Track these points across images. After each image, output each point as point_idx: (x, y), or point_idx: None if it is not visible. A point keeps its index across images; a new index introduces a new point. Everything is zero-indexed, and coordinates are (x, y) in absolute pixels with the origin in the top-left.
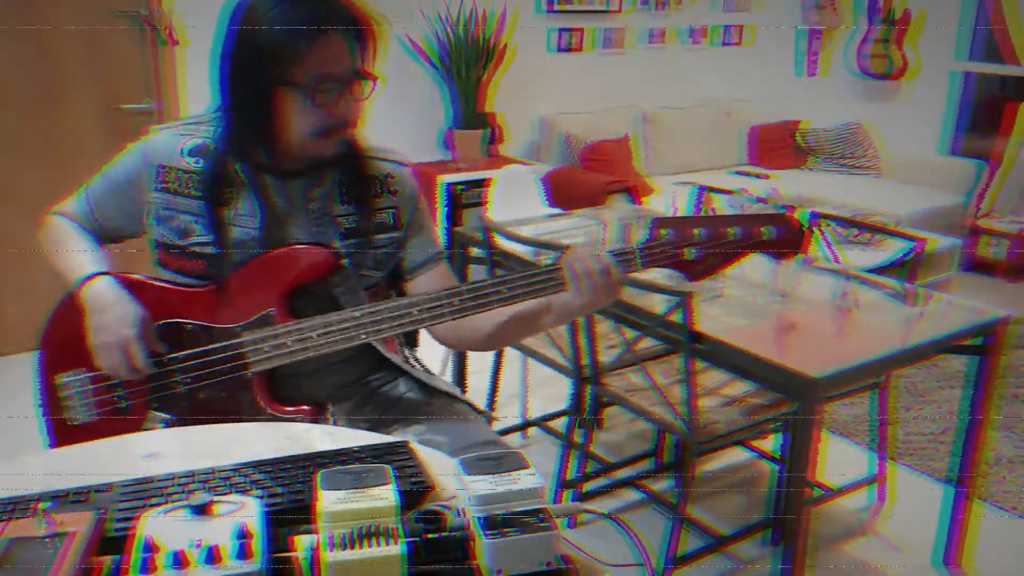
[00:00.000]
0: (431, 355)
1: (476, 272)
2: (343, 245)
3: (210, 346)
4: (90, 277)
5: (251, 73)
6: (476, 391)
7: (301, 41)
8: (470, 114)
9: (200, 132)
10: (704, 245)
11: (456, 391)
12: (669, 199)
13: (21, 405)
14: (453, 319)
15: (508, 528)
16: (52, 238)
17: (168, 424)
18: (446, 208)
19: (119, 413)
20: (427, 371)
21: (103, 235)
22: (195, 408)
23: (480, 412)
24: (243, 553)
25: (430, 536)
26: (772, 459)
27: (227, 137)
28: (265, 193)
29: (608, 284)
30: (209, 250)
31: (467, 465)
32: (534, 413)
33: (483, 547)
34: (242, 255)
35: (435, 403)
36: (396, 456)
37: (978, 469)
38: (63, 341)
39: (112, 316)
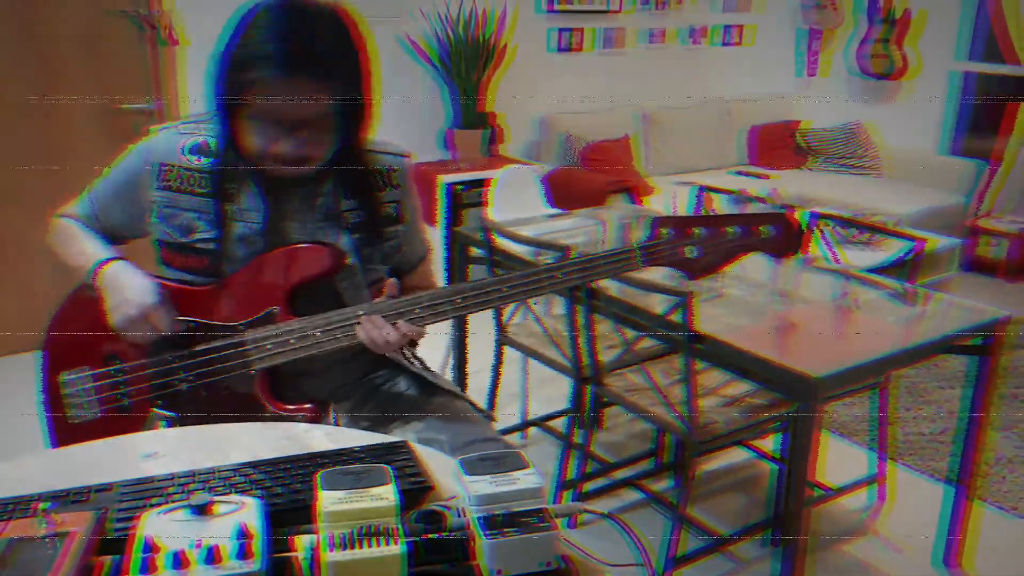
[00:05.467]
0: (431, 355)
1: (476, 272)
2: (351, 240)
3: (213, 344)
4: (105, 262)
5: (222, 88)
6: (476, 391)
7: (259, 77)
8: (470, 114)
9: (201, 130)
10: (704, 244)
11: (456, 389)
12: (669, 199)
13: (21, 405)
14: (455, 317)
15: (508, 528)
16: (60, 237)
17: (170, 423)
18: (446, 208)
19: (121, 411)
20: (427, 369)
21: (108, 236)
22: (197, 406)
23: (480, 411)
24: (243, 553)
25: (430, 536)
26: (772, 459)
27: (223, 136)
28: (268, 188)
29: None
30: (212, 246)
31: (467, 465)
32: (534, 413)
33: (483, 547)
34: (246, 251)
35: (435, 401)
36: (396, 456)
37: (978, 469)
38: (67, 340)
39: (131, 291)
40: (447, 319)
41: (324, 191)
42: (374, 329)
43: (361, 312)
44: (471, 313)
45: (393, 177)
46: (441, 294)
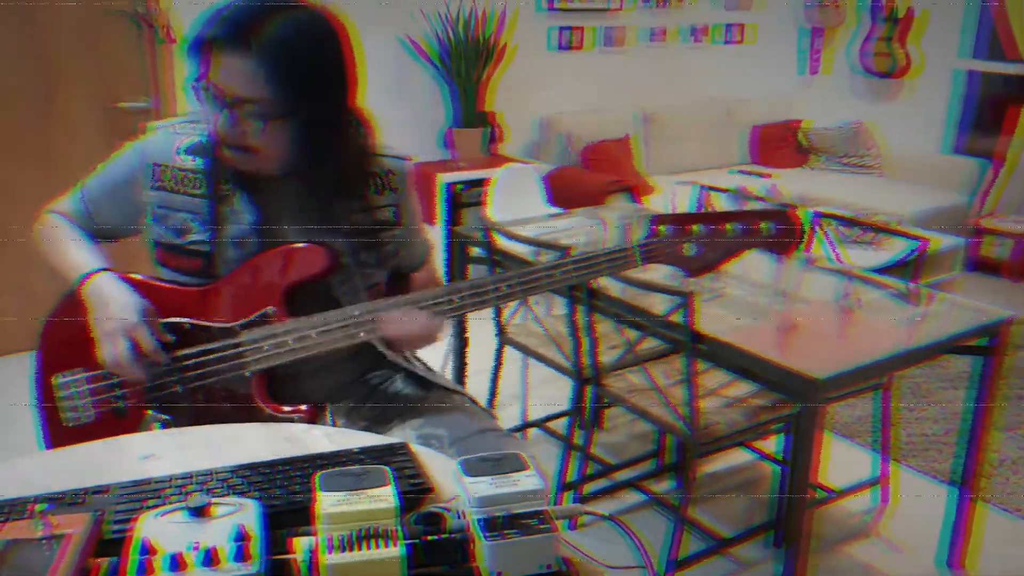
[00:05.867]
0: (431, 356)
1: (476, 272)
2: (346, 243)
3: (208, 345)
4: (90, 274)
5: (189, 61)
6: (476, 392)
7: (202, 52)
8: (470, 113)
9: (196, 130)
10: (703, 241)
11: (454, 385)
12: (669, 199)
13: (19, 405)
14: (453, 316)
15: (508, 530)
16: (48, 235)
17: (165, 425)
18: (446, 208)
19: (116, 413)
20: (427, 368)
21: (98, 233)
22: (193, 408)
23: (478, 407)
24: (241, 555)
25: (429, 538)
26: (774, 460)
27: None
28: (259, 191)
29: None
30: (206, 248)
31: (467, 466)
32: (534, 414)
33: (483, 549)
34: (240, 253)
35: (432, 397)
36: (395, 457)
37: (982, 470)
38: (61, 341)
39: (116, 308)
40: (446, 318)
41: (319, 193)
42: (398, 322)
43: (358, 312)
44: (469, 312)
45: (391, 180)
46: (439, 293)
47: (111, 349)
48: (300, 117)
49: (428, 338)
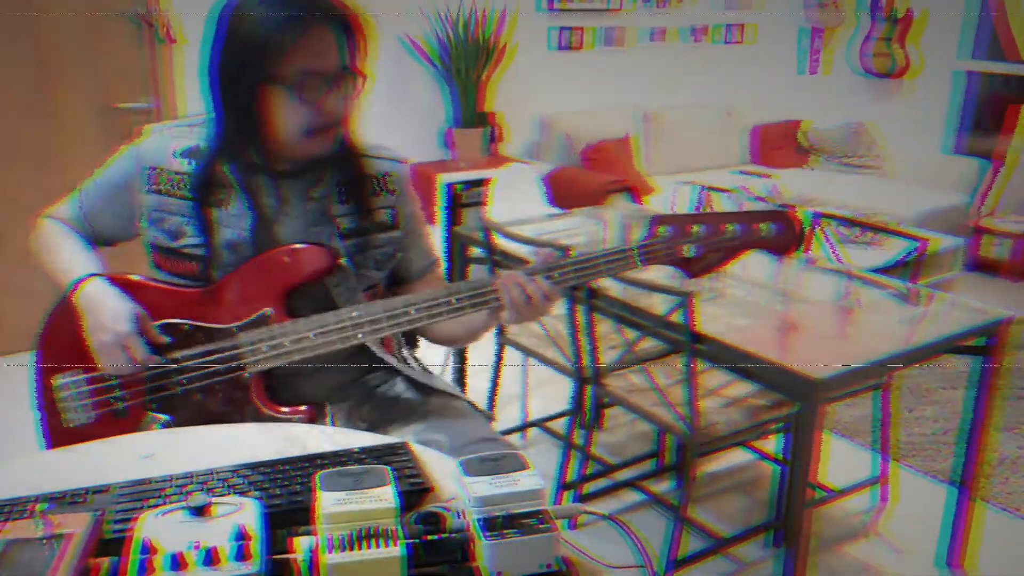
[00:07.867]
0: (431, 355)
1: (476, 272)
2: (343, 245)
3: (207, 346)
4: (81, 280)
5: (238, 73)
6: (476, 391)
7: (285, 36)
8: (470, 113)
9: (193, 134)
10: (703, 242)
11: (454, 390)
12: (670, 199)
13: (20, 406)
14: (449, 319)
15: (508, 530)
16: (42, 242)
17: (165, 426)
18: (446, 208)
19: (116, 414)
20: (425, 371)
21: (96, 238)
22: (192, 409)
23: (479, 412)
24: (241, 555)
25: (429, 538)
26: (774, 460)
27: (218, 139)
28: (255, 194)
29: (536, 306)
30: (201, 252)
31: (467, 466)
32: (534, 414)
33: (483, 549)
34: (235, 257)
35: (433, 402)
36: (395, 457)
37: (981, 470)
38: (60, 342)
39: (107, 315)
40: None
41: (318, 195)
42: (515, 288)
43: (356, 313)
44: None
45: (389, 182)
46: (436, 295)
47: (107, 360)
48: (362, 78)
49: (538, 304)
